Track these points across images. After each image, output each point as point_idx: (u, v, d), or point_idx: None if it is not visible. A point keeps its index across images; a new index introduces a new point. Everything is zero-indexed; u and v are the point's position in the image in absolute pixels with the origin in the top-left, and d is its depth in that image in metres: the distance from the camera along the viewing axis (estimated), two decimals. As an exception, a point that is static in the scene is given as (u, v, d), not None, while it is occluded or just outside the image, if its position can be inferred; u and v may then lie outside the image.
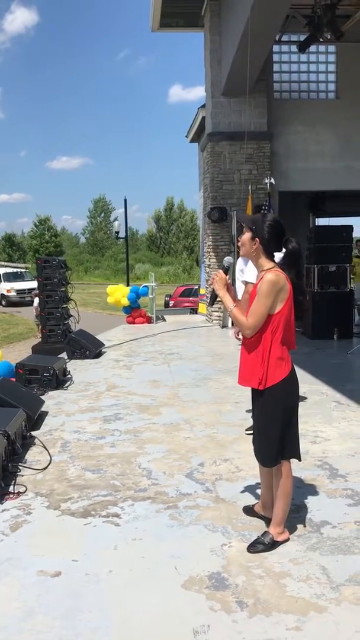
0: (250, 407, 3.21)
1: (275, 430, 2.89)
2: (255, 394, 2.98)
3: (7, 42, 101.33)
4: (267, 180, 11.81)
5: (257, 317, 2.79)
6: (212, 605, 2.49)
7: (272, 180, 11.83)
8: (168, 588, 2.64)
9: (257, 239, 2.86)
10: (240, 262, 5.06)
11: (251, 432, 4.94)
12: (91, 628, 2.37)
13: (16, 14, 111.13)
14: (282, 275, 2.81)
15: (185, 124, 17.88)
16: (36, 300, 18.02)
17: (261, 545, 2.94)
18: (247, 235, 2.90)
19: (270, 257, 2.90)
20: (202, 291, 15.35)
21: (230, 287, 3.04)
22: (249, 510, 3.35)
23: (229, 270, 3.08)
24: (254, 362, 2.87)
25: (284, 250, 2.94)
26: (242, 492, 3.69)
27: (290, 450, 2.98)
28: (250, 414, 4.77)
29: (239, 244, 2.96)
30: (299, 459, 3.07)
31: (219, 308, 12.53)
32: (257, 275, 2.97)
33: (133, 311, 14.03)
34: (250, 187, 12.36)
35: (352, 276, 11.17)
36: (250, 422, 4.08)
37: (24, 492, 3.76)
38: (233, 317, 2.90)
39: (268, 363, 2.82)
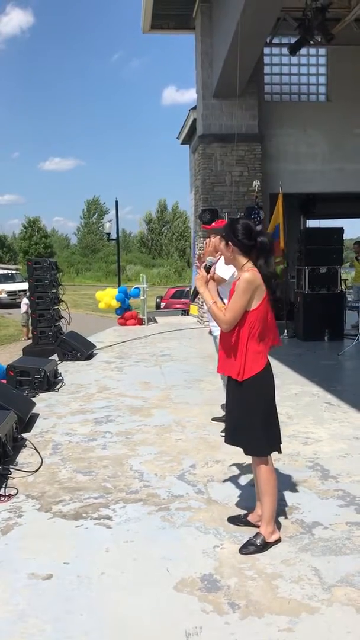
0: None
1: (258, 421, 2.97)
2: (234, 386, 3.05)
3: (2, 44, 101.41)
4: (255, 183, 11.85)
5: (234, 313, 2.93)
6: (204, 607, 2.49)
7: (258, 182, 11.89)
8: (160, 590, 2.63)
9: (229, 243, 3.03)
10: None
11: (217, 421, 5.20)
12: (83, 631, 2.36)
13: (11, 15, 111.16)
14: (258, 274, 2.94)
15: (179, 126, 17.87)
16: (24, 301, 17.97)
17: (253, 547, 2.94)
18: (221, 244, 3.12)
19: (247, 256, 3.03)
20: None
21: (212, 285, 3.24)
22: (238, 520, 3.29)
23: (210, 269, 3.27)
24: (232, 355, 3.01)
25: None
26: (234, 493, 3.69)
27: (274, 443, 3.05)
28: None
29: (217, 254, 3.25)
30: (280, 452, 3.11)
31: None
32: (235, 274, 3.18)
33: (125, 312, 14.03)
34: (280, 187, 11.24)
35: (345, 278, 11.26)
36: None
37: (15, 495, 3.74)
38: (212, 312, 3.06)
39: (246, 356, 2.95)
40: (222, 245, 3.10)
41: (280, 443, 3.10)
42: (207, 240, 4.65)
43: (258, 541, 2.96)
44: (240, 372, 2.96)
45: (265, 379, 3.01)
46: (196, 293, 3.29)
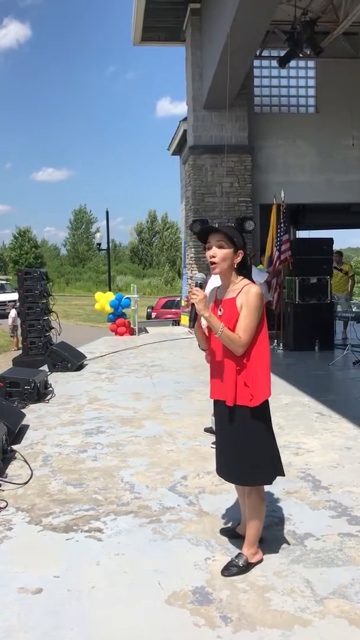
0: None
1: (268, 448, 2.83)
2: (241, 414, 2.77)
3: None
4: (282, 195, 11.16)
5: (250, 333, 2.65)
6: (196, 621, 2.46)
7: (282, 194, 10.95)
8: (151, 603, 2.61)
9: (240, 252, 2.76)
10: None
11: (209, 432, 5.07)
12: (73, 646, 2.33)
13: (9, 28, 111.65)
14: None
15: (171, 138, 18.00)
16: (12, 312, 17.91)
17: (235, 568, 2.85)
18: (228, 251, 2.72)
19: (239, 273, 2.80)
20: (183, 303, 15.39)
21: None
22: (231, 533, 3.25)
23: (203, 286, 2.86)
24: (242, 380, 2.73)
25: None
26: (226, 505, 3.67)
27: (279, 467, 2.91)
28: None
29: (216, 260, 2.73)
30: (283, 474, 2.98)
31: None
32: (226, 289, 2.83)
33: (117, 319, 14.05)
34: (275, 197, 10.83)
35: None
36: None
37: (5, 507, 3.70)
38: (225, 338, 2.63)
39: (256, 378, 2.71)
40: (228, 251, 2.72)
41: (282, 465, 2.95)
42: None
43: (241, 562, 2.87)
44: (253, 397, 2.70)
45: (267, 404, 2.81)
46: (196, 317, 2.77)
